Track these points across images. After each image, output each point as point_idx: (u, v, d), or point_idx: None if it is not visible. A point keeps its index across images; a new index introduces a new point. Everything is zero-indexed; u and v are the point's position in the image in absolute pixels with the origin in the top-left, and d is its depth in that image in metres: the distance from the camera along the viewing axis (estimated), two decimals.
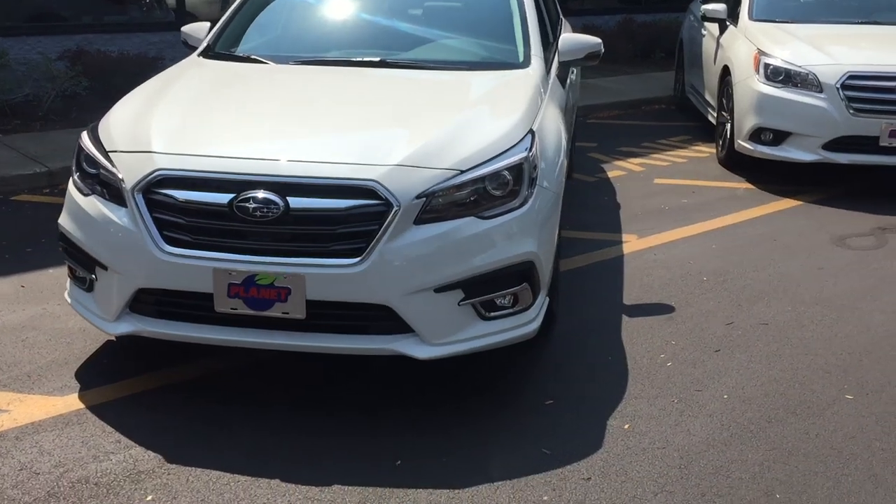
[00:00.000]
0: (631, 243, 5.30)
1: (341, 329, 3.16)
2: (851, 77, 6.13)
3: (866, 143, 6.15)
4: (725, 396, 3.49)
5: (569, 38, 4.56)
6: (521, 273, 3.29)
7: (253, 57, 4.32)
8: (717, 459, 3.06)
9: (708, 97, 7.90)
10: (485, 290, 3.21)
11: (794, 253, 5.16)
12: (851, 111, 6.10)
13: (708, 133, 7.87)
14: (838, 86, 6.12)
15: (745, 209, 6.03)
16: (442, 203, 3.14)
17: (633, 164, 7.27)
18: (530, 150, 3.39)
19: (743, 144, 6.62)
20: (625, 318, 4.19)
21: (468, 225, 3.16)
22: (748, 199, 6.27)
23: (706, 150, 7.65)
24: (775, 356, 3.85)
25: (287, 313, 3.08)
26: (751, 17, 7.23)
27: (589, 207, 6.03)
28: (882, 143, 6.10)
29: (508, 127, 3.44)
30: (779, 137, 6.40)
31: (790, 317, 4.26)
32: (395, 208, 3.05)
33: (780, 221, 5.78)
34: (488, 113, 3.61)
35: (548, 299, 3.58)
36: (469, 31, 4.59)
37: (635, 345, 3.92)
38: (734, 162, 6.92)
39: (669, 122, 8.95)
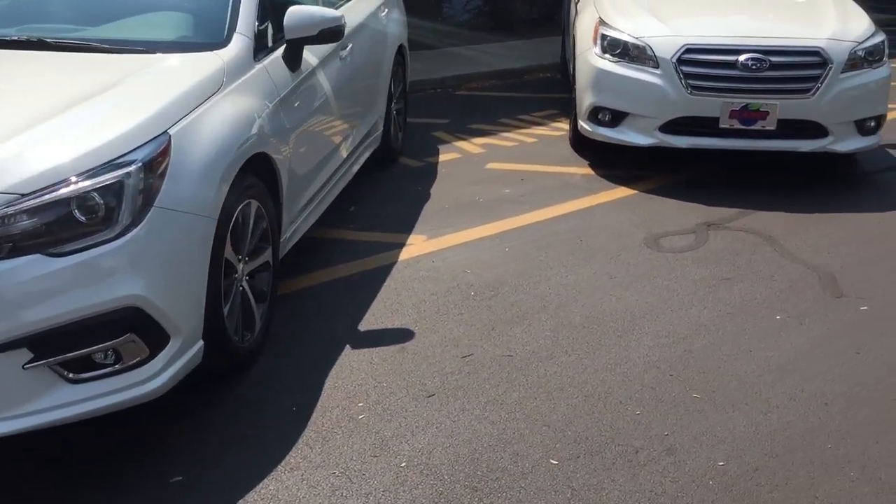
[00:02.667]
0: (415, 246, 4.61)
1: None
2: (689, 51, 5.41)
3: (706, 125, 5.45)
4: (403, 465, 2.82)
5: (297, 11, 3.78)
6: (121, 322, 2.59)
7: None
8: None
9: (571, 68, 7.18)
10: (64, 348, 2.52)
11: (592, 257, 4.48)
12: (689, 89, 5.40)
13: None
14: (674, 60, 5.40)
15: (568, 200, 5.33)
16: None
17: (475, 144, 6.54)
18: (149, 161, 2.68)
19: (583, 125, 5.91)
20: (346, 350, 3.51)
21: (30, 265, 2.45)
22: (579, 189, 5.58)
23: (564, 129, 6.94)
24: (496, 403, 3.18)
25: None
26: None
27: (393, 200, 5.32)
28: (722, 125, 5.40)
29: (119, 132, 2.70)
30: (617, 118, 5.69)
31: (544, 344, 3.59)
32: None
33: (598, 216, 5.10)
34: (102, 114, 2.85)
35: (201, 343, 2.89)
36: (179, 4, 3.82)
37: (337, 388, 3.24)
38: (581, 143, 6.22)
39: (544, 94, 8.21)
